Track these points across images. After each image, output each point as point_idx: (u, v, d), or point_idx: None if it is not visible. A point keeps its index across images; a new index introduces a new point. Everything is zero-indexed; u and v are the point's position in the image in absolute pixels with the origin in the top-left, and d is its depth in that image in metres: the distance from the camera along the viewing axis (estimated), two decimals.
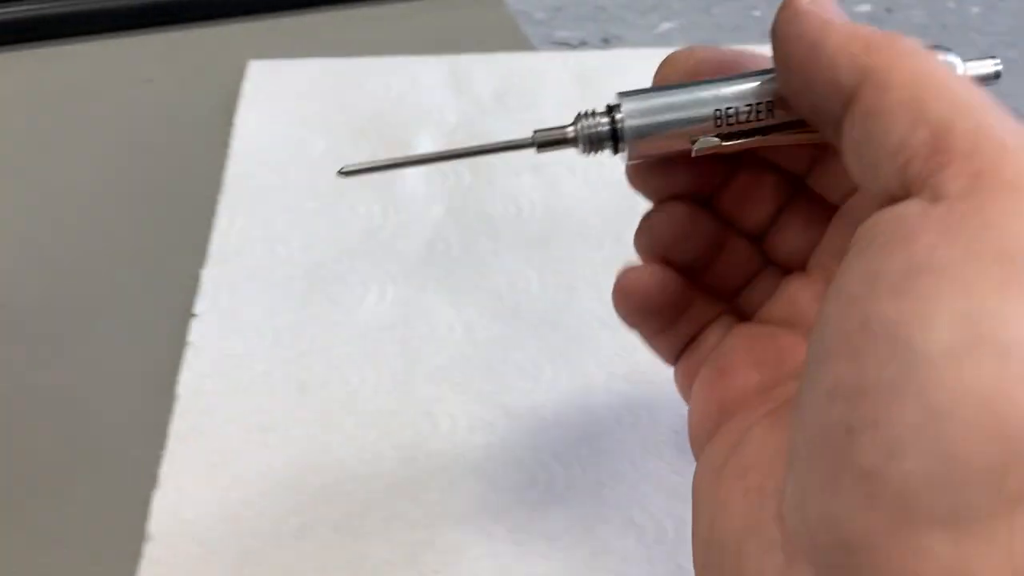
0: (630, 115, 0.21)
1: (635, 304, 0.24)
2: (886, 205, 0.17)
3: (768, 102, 0.21)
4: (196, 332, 0.33)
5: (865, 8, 0.51)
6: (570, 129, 0.22)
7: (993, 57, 0.22)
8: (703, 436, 0.22)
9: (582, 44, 0.48)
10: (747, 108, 0.21)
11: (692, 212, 0.23)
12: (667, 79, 0.22)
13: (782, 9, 0.19)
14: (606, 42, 0.48)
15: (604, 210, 0.38)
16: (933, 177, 0.16)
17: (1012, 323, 0.14)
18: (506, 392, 0.32)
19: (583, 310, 0.35)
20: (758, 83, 0.21)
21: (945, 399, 0.14)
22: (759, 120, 0.21)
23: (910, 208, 0.16)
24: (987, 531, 0.14)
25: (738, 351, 0.23)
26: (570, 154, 0.42)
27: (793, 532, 0.17)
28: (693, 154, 0.21)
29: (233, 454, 0.30)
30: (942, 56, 0.21)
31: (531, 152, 0.42)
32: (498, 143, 0.23)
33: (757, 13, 0.50)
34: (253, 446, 0.30)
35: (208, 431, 0.31)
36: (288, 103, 0.43)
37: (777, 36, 0.19)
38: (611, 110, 0.21)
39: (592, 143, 0.21)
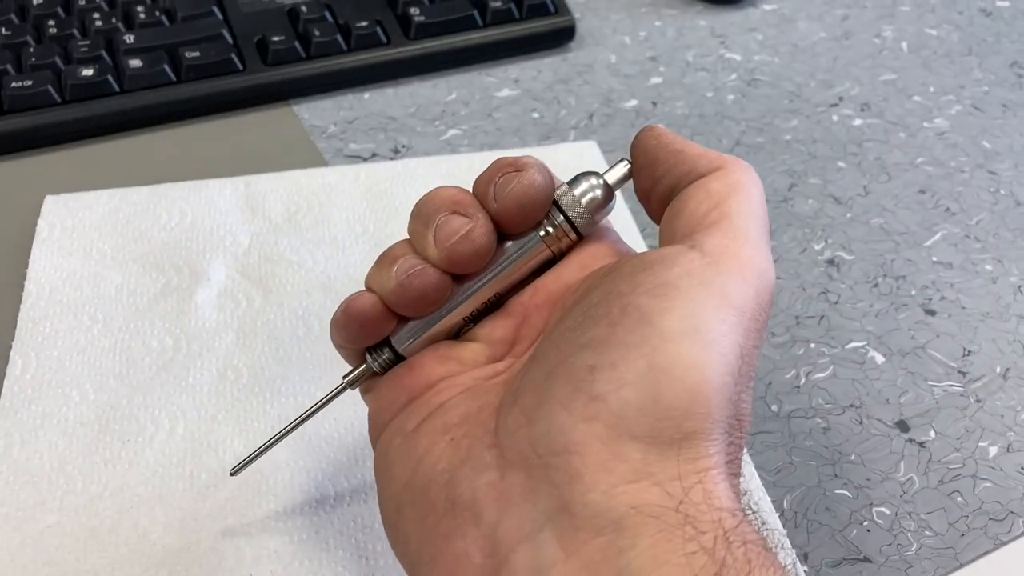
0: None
1: (354, 318, 0.29)
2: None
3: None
4: None
5: (633, 103, 0.56)
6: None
7: (623, 160, 0.29)
8: (386, 418, 0.28)
9: (373, 156, 0.51)
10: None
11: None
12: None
13: (649, 130, 0.29)
14: (396, 152, 0.51)
15: None
16: (699, 235, 0.25)
17: (716, 329, 0.23)
18: (291, 518, 0.34)
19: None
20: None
21: (665, 361, 0.22)
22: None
23: (674, 249, 0.25)
24: (665, 449, 0.21)
25: (427, 353, 0.29)
26: (359, 272, 0.44)
27: (510, 448, 0.23)
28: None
29: None
30: (587, 180, 0.29)
31: (323, 268, 0.45)
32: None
33: (535, 115, 0.54)
34: None
35: None
36: (83, 239, 0.45)
37: (645, 143, 0.28)
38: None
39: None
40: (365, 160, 0.51)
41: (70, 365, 0.39)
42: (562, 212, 0.28)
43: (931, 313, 0.44)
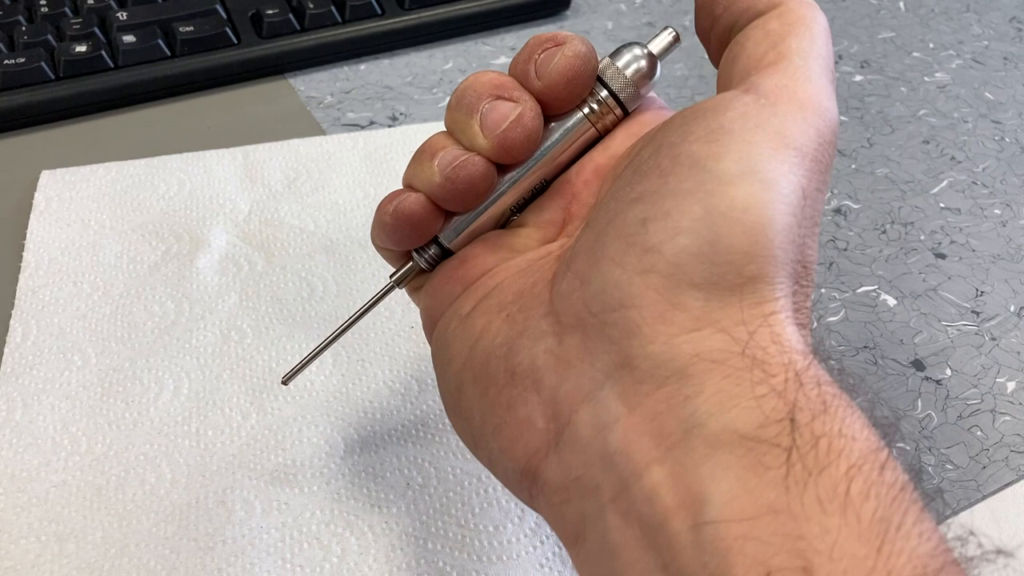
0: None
1: (404, 220, 0.27)
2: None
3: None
4: None
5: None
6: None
7: (667, 28, 0.28)
8: (441, 310, 0.27)
9: (371, 124, 0.50)
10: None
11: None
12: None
13: None
14: (394, 120, 0.51)
15: None
16: (755, 77, 0.23)
17: (776, 169, 0.21)
18: (300, 472, 0.34)
19: (375, 383, 0.37)
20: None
21: (722, 203, 0.20)
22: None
23: (728, 94, 0.23)
24: (727, 295, 0.20)
25: (478, 244, 0.28)
26: (362, 233, 0.44)
27: (566, 312, 0.22)
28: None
29: (26, 569, 0.30)
30: (630, 50, 0.27)
31: (325, 231, 0.44)
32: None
33: None
34: (49, 557, 0.31)
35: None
36: (81, 210, 0.44)
37: None
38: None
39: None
40: (363, 128, 0.50)
41: (71, 331, 0.39)
42: (606, 86, 0.27)
43: (941, 257, 0.43)
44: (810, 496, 0.17)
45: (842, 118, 0.52)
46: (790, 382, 0.19)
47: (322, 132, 0.50)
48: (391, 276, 0.29)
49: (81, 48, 0.50)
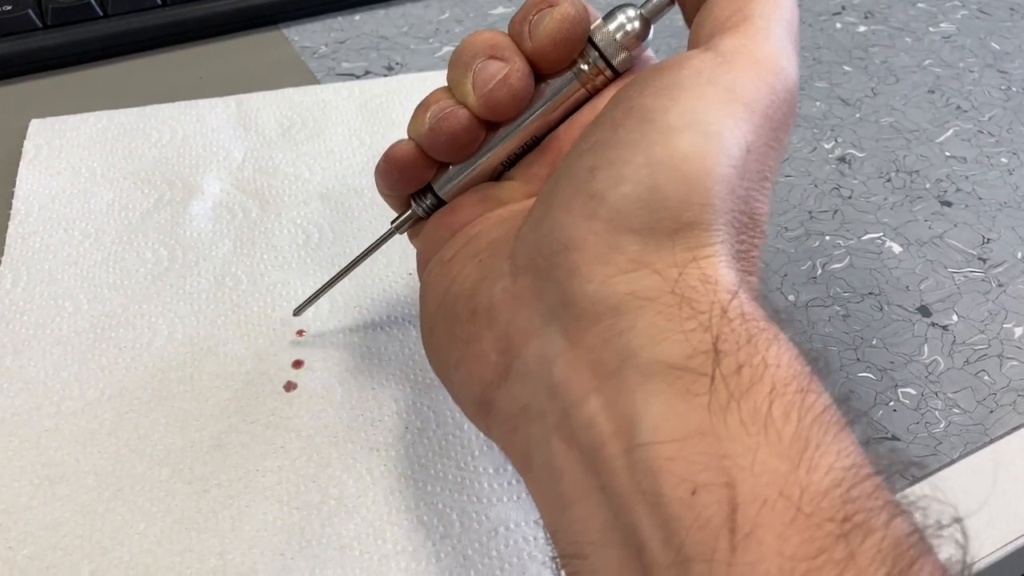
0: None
1: (393, 164, 0.29)
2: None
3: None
4: None
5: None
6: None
7: None
8: (431, 253, 0.29)
9: (366, 74, 0.49)
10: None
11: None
12: None
13: None
14: (390, 70, 0.50)
15: None
16: (717, 38, 0.24)
17: (719, 122, 0.22)
18: (297, 416, 0.33)
19: (374, 327, 0.36)
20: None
21: (664, 153, 0.21)
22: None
23: (688, 53, 0.24)
24: (663, 240, 0.21)
25: (468, 194, 0.29)
26: (359, 181, 0.43)
27: (521, 254, 0.24)
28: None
29: (19, 512, 0.30)
30: (623, 12, 0.27)
31: (320, 179, 0.43)
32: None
33: None
34: (42, 500, 0.30)
35: None
36: (72, 158, 0.43)
37: None
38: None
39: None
40: (358, 78, 0.49)
41: (62, 278, 0.38)
42: (596, 49, 0.27)
43: (947, 204, 0.43)
44: (733, 419, 0.18)
45: (845, 68, 0.51)
46: (715, 317, 0.20)
47: (317, 82, 0.49)
48: (392, 222, 0.31)
49: None
